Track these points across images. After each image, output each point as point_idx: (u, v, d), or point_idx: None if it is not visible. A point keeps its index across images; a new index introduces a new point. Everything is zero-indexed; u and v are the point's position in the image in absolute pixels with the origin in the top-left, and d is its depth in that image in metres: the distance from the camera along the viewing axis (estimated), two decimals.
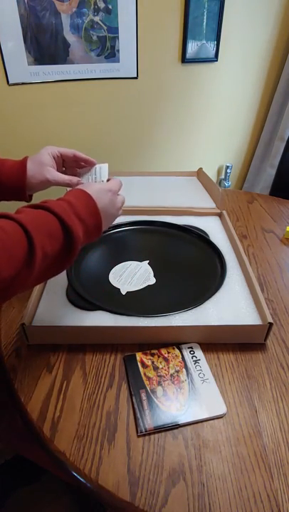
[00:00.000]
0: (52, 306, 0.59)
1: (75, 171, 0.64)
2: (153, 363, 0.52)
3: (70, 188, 0.52)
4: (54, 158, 0.59)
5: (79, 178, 0.60)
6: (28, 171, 0.56)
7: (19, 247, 0.36)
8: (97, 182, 0.62)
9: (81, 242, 0.44)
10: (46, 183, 0.58)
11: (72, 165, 0.64)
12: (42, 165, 0.57)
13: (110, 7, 1.17)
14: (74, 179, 0.59)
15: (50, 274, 0.43)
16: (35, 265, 0.37)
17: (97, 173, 0.63)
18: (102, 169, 0.63)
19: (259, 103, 1.67)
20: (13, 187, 0.56)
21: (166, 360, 0.53)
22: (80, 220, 0.44)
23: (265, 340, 0.56)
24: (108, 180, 0.60)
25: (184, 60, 1.36)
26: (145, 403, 0.46)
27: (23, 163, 0.56)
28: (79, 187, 0.51)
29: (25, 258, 0.36)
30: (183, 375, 0.50)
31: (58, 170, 0.60)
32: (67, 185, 0.59)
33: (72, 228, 0.42)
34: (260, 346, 0.56)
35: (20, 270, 0.36)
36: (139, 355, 0.53)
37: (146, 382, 0.49)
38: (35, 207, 0.42)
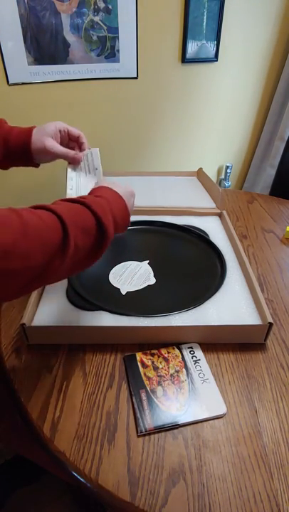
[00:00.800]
0: (52, 306, 0.59)
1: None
2: (153, 363, 0.52)
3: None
4: (60, 131, 0.62)
5: (75, 152, 0.62)
6: (32, 136, 0.58)
7: (54, 236, 0.37)
8: (90, 169, 0.64)
9: (111, 240, 0.46)
10: (44, 152, 0.59)
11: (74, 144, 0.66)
12: (44, 133, 0.59)
13: (110, 7, 1.17)
14: (70, 152, 0.61)
15: (79, 267, 0.44)
16: (67, 256, 0.38)
17: (89, 159, 0.64)
18: (93, 155, 0.64)
19: (259, 103, 1.67)
20: (20, 152, 0.59)
21: (166, 360, 0.53)
22: (114, 221, 0.46)
23: (265, 340, 0.56)
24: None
25: (184, 60, 1.36)
26: (145, 403, 0.46)
27: (29, 130, 0.59)
28: (108, 186, 0.52)
29: (58, 247, 0.37)
30: (183, 375, 0.50)
31: (60, 144, 0.62)
32: (64, 157, 0.61)
33: (107, 227, 0.43)
34: (260, 346, 0.56)
35: (52, 259, 0.37)
36: (139, 355, 0.53)
37: (146, 382, 0.49)
38: (74, 201, 0.43)
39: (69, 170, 0.65)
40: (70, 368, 0.52)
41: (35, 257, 0.34)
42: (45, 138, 0.59)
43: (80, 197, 0.45)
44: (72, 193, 0.64)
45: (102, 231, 0.43)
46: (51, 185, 1.30)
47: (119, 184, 0.55)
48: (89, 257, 0.43)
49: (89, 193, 0.51)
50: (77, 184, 0.65)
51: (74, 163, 0.64)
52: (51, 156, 0.60)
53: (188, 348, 0.55)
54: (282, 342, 0.57)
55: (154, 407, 0.46)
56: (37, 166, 0.63)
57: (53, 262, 0.37)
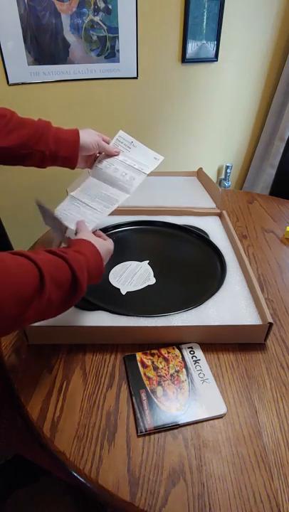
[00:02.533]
0: None
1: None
2: (153, 363, 0.52)
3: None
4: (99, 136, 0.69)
5: (118, 151, 0.70)
6: (80, 134, 0.64)
7: (30, 287, 0.37)
8: (128, 147, 0.72)
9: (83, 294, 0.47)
10: (96, 146, 0.66)
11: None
12: (92, 133, 0.66)
13: (110, 7, 1.17)
14: (114, 150, 0.70)
15: (48, 317, 0.44)
16: (39, 308, 0.38)
17: (122, 140, 0.72)
18: (122, 136, 0.72)
19: (259, 103, 1.67)
20: (70, 146, 0.63)
21: (166, 360, 0.53)
22: (89, 276, 0.47)
23: (265, 340, 0.56)
24: None
25: (184, 60, 1.36)
26: (145, 403, 0.46)
27: (76, 129, 0.64)
28: (90, 240, 0.53)
29: (32, 298, 0.37)
30: (183, 375, 0.50)
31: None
32: (109, 151, 0.69)
33: (81, 283, 0.44)
34: (260, 346, 0.56)
35: (24, 310, 0.37)
36: (139, 355, 0.53)
37: (146, 382, 0.49)
38: (54, 253, 0.44)
39: (115, 160, 0.70)
40: (70, 368, 0.52)
41: (8, 308, 0.35)
42: (94, 136, 0.66)
43: (61, 250, 0.46)
44: (140, 166, 0.71)
45: (76, 286, 0.44)
46: (52, 185, 1.30)
47: (102, 242, 0.56)
48: (59, 308, 0.44)
49: (70, 246, 0.52)
50: (133, 160, 0.72)
51: (112, 155, 0.70)
52: (97, 150, 0.68)
53: (188, 348, 0.55)
54: (282, 342, 0.57)
55: (154, 407, 0.46)
56: (74, 166, 0.66)
57: (24, 313, 0.37)
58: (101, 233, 0.62)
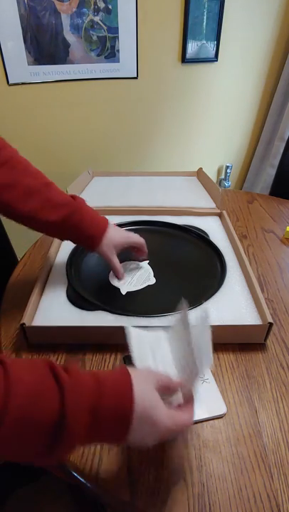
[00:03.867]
0: (52, 306, 0.59)
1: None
2: None
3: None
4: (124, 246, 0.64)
5: (123, 272, 0.65)
6: (102, 241, 0.60)
7: None
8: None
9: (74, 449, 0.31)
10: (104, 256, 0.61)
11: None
12: (112, 245, 0.61)
13: (110, 7, 1.17)
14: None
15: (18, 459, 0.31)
16: None
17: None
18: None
19: (259, 103, 1.67)
20: (86, 246, 0.61)
21: None
22: (97, 422, 0.30)
23: (265, 340, 0.56)
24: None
25: (184, 60, 1.36)
26: None
27: (101, 234, 0.60)
28: (130, 369, 0.34)
29: None
30: None
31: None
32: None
33: (71, 432, 0.29)
34: (260, 346, 0.56)
35: None
36: None
37: None
38: (56, 375, 0.30)
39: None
40: None
41: None
42: (112, 249, 0.61)
43: (67, 369, 0.31)
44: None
45: (61, 434, 0.28)
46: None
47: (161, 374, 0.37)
48: (29, 456, 0.30)
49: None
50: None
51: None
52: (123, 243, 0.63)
53: None
54: (282, 342, 0.57)
55: None
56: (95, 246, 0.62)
57: None
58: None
